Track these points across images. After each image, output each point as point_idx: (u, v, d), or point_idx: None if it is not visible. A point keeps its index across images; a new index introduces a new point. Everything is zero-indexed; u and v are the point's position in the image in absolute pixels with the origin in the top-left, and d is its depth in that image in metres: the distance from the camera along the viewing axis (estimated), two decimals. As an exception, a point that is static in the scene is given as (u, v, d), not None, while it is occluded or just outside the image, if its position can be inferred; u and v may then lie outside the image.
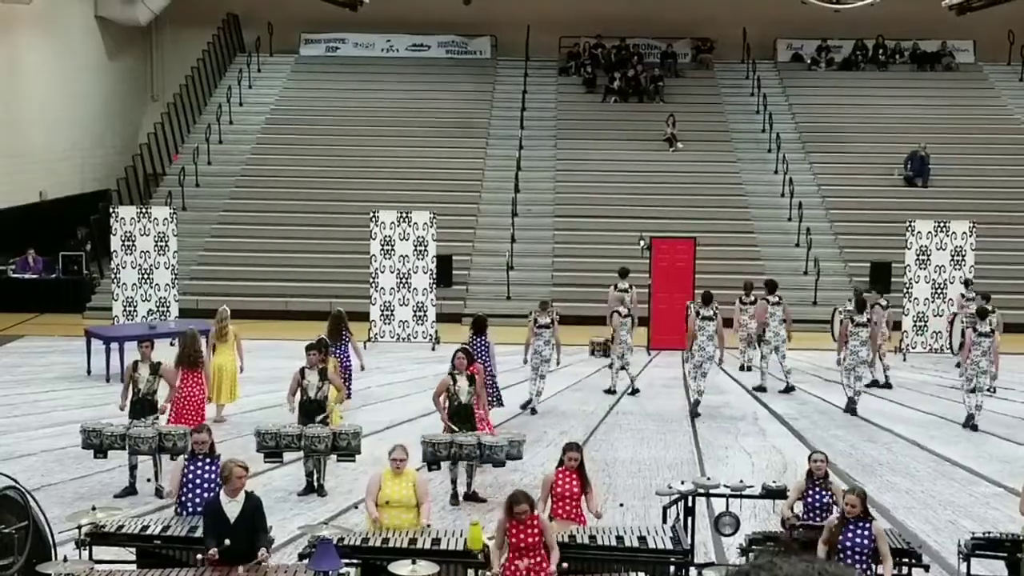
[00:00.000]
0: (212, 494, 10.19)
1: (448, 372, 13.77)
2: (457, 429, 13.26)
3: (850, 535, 9.35)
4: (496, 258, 26.99)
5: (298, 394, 13.83)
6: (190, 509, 10.45)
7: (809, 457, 10.81)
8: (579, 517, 10.56)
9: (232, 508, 9.37)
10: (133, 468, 13.16)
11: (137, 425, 13.23)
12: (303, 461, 13.40)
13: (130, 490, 13.10)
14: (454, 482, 13.23)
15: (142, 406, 13.63)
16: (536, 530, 9.28)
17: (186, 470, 10.65)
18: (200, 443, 10.66)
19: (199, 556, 9.36)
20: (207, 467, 10.59)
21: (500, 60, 35.37)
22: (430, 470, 12.91)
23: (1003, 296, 23.30)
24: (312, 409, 13.63)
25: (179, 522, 10.20)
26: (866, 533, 9.35)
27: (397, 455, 10.43)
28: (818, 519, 10.22)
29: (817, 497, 10.46)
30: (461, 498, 13.20)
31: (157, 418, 13.67)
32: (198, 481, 10.55)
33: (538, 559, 9.27)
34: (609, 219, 27.91)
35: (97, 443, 13.06)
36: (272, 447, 13.13)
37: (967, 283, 22.86)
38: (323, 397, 13.72)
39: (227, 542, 9.13)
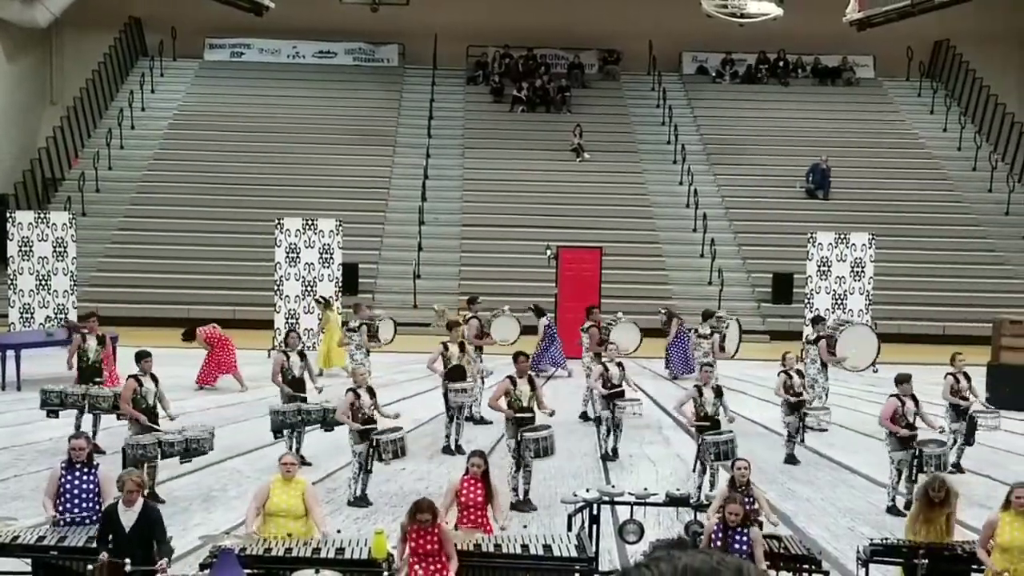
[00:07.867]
0: (90, 504, 10.17)
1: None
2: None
3: (729, 543, 9.39)
4: (403, 266, 26.90)
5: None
6: (68, 519, 10.21)
7: (732, 464, 10.87)
8: (485, 525, 10.53)
9: (128, 517, 9.30)
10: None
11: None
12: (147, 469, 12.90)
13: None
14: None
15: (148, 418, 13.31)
16: (436, 538, 9.28)
17: (63, 479, 10.38)
18: (77, 450, 10.38)
19: (90, 567, 9.21)
20: (84, 475, 10.34)
21: (407, 68, 35.28)
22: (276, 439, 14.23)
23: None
24: (153, 418, 13.33)
25: (75, 532, 9.97)
26: (745, 539, 9.42)
27: (288, 459, 10.41)
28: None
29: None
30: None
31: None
32: (76, 491, 10.29)
33: (438, 566, 9.28)
34: (516, 228, 27.99)
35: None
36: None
37: (707, 315, 21.37)
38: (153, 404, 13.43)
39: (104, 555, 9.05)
